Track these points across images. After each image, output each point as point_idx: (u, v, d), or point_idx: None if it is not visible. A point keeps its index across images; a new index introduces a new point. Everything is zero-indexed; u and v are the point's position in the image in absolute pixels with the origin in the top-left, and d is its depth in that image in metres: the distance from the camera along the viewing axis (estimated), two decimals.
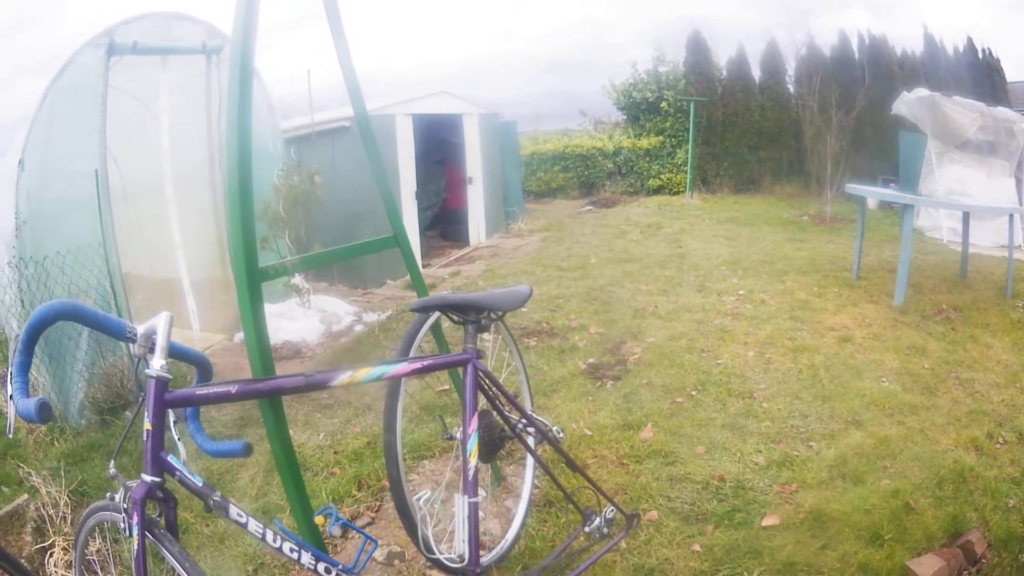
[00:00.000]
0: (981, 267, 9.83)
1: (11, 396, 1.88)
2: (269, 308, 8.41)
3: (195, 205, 8.59)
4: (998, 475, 4.18)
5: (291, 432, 5.13)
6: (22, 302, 6.15)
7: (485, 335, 3.05)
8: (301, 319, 8.38)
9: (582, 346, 6.92)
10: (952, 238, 12.15)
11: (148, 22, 7.51)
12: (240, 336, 8.02)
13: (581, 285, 9.44)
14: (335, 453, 4.81)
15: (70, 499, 4.20)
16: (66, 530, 3.92)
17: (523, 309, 8.07)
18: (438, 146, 14.69)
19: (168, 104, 8.14)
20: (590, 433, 4.85)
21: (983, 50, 21.56)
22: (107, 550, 3.05)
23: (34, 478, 4.28)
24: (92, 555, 3.08)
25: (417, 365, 2.71)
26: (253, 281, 2.72)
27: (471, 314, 2.87)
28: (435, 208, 15.68)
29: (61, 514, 4.04)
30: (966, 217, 9.54)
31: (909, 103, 13.25)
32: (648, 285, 9.30)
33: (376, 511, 4.04)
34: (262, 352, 2.68)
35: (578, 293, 8.97)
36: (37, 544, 3.87)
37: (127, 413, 5.93)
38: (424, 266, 12.17)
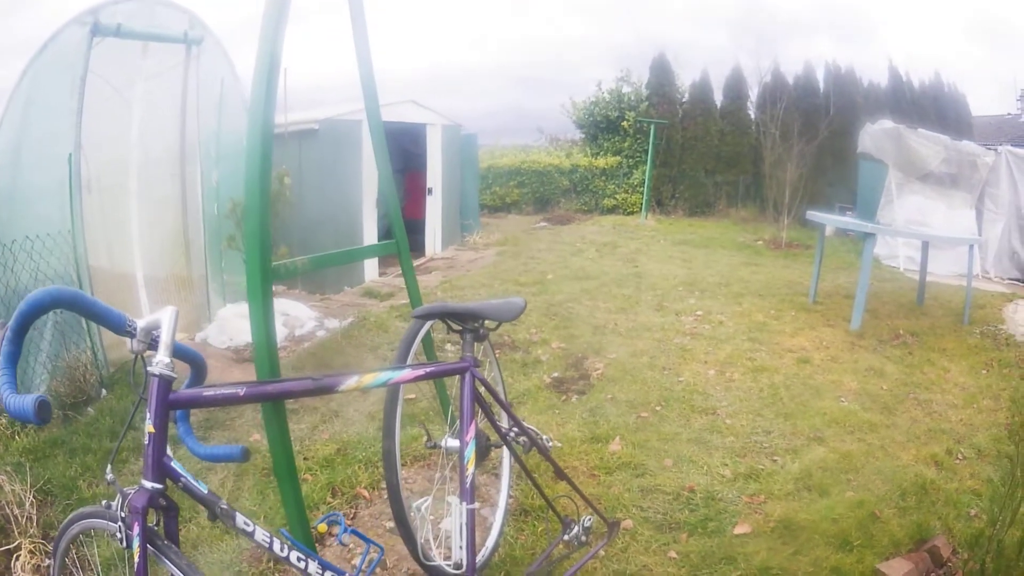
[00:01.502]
0: (938, 295, 10.09)
1: None
2: (233, 308, 8.38)
3: (161, 198, 8.42)
4: (959, 488, 4.32)
5: (257, 436, 5.12)
6: None
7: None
8: None
9: (545, 360, 6.94)
10: (909, 266, 12.45)
11: (133, 4, 7.38)
12: (201, 335, 7.99)
13: (540, 300, 9.46)
14: (305, 459, 4.75)
15: (36, 498, 4.04)
16: (32, 531, 3.76)
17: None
18: (400, 154, 14.64)
19: (143, 93, 8.00)
20: (560, 445, 4.87)
21: (949, 84, 22.15)
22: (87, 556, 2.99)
23: None
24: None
25: (420, 372, 2.70)
26: (266, 279, 2.71)
27: (470, 323, 2.88)
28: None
29: (27, 514, 3.86)
30: (925, 246, 9.76)
31: (873, 134, 13.60)
32: (606, 303, 9.37)
33: (352, 519, 4.00)
34: (270, 352, 2.67)
35: (537, 308, 8.98)
36: (2, 546, 3.73)
37: (89, 410, 5.80)
38: (380, 274, 12.21)
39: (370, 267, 11.96)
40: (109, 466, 2.04)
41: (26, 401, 1.63)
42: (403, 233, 3.79)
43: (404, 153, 14.77)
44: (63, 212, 6.36)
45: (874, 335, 7.87)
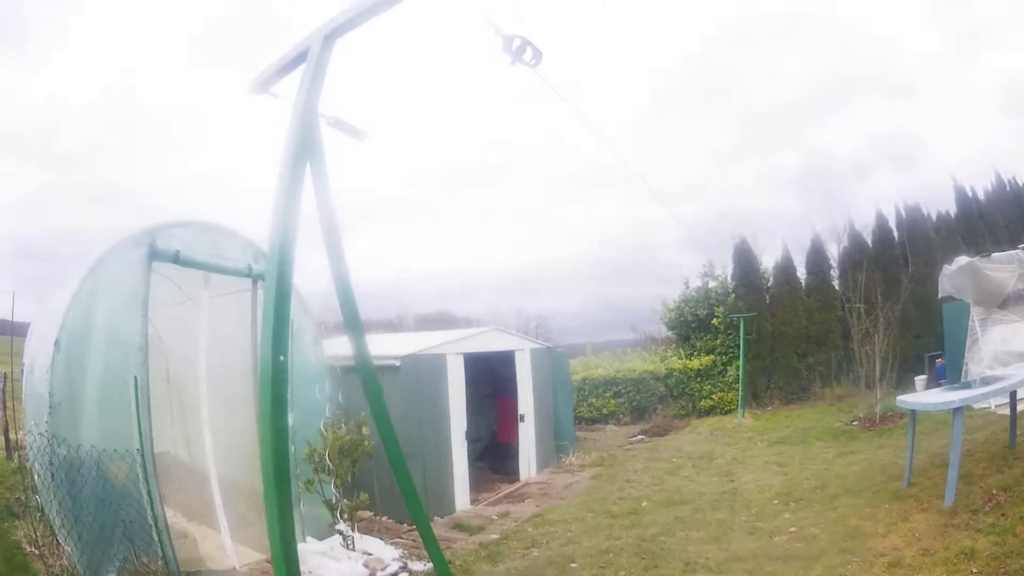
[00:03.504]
0: None
1: None
2: (313, 545, 8.43)
3: (237, 410, 8.57)
4: None
5: None
6: (52, 475, 6.35)
7: None
8: (344, 560, 8.26)
9: None
10: (1000, 400, 11.90)
11: (191, 230, 7.71)
12: None
13: (631, 535, 9.26)
14: None
15: None
16: None
17: (573, 565, 8.03)
18: (490, 379, 14.80)
19: (208, 320, 8.21)
20: None
21: (1009, 181, 22.41)
22: None
23: None
24: None
25: None
26: None
27: None
28: (484, 440, 15.78)
29: None
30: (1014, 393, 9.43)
31: (951, 276, 13.67)
32: (699, 532, 9.09)
33: None
34: None
35: (628, 546, 8.78)
36: None
37: None
38: (472, 501, 12.21)
39: (460, 495, 11.95)
40: None
41: None
42: (443, 561, 3.79)
43: (494, 378, 14.92)
44: (130, 429, 6.63)
45: (966, 506, 7.55)
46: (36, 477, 7.11)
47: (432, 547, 3.74)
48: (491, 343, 13.65)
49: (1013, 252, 13.52)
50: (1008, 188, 22.45)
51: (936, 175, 44.94)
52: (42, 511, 7.37)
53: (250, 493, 8.64)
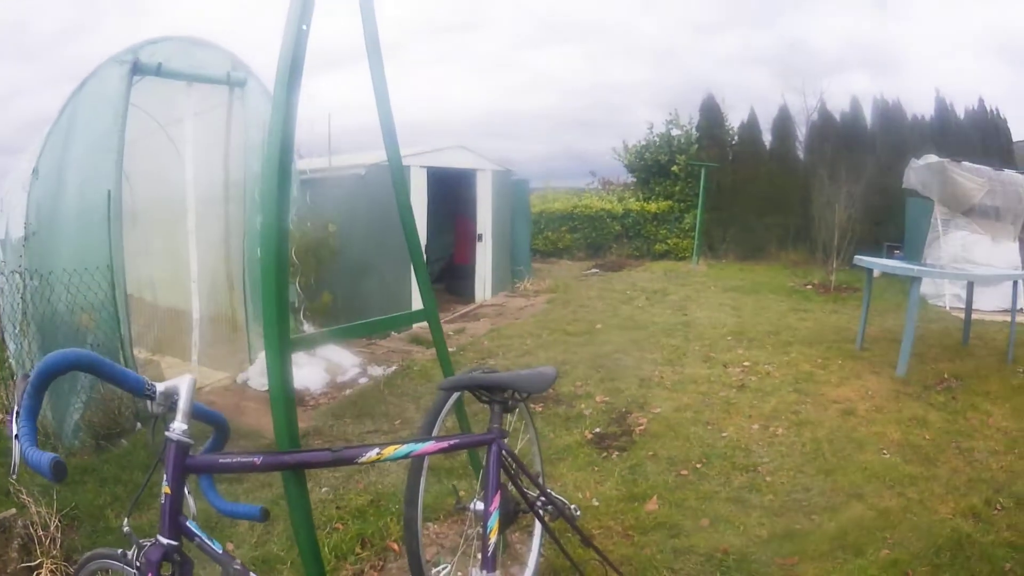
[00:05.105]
0: (983, 333, 10.05)
1: (16, 436, 1.82)
2: None
3: (205, 237, 8.43)
4: (995, 540, 4.25)
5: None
6: (24, 313, 6.19)
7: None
8: (305, 366, 8.30)
9: (588, 414, 6.92)
10: (955, 304, 12.43)
11: (173, 45, 7.45)
12: (242, 376, 8.14)
13: (587, 351, 9.47)
14: (337, 508, 4.82)
15: (61, 522, 4.14)
16: (55, 553, 3.88)
17: None
18: (449, 199, 14.66)
19: (187, 130, 7.98)
20: (597, 504, 4.90)
21: (991, 110, 21.85)
22: None
23: (24, 494, 4.17)
24: None
25: (443, 444, 2.70)
26: (284, 351, 2.69)
27: (498, 394, 2.84)
28: (442, 262, 15.88)
29: (51, 536, 3.97)
30: (970, 285, 9.70)
31: (918, 170, 13.55)
32: (654, 354, 9.33)
33: (380, 571, 4.07)
34: (289, 424, 2.65)
35: (584, 359, 8.99)
36: (23, 562, 3.83)
37: (123, 441, 5.97)
38: None
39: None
40: (127, 519, 2.15)
41: (43, 458, 1.76)
42: (432, 300, 3.78)
43: (454, 198, 14.77)
44: (103, 246, 6.48)
45: (919, 381, 7.79)
46: (7, 327, 6.90)
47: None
48: (455, 160, 13.48)
49: (984, 167, 13.53)
50: (989, 116, 21.95)
51: (916, 86, 44.11)
52: (13, 376, 7.18)
53: (219, 320, 8.64)
